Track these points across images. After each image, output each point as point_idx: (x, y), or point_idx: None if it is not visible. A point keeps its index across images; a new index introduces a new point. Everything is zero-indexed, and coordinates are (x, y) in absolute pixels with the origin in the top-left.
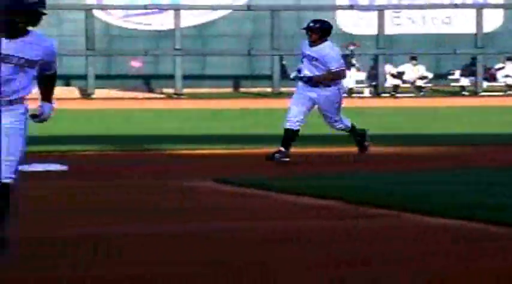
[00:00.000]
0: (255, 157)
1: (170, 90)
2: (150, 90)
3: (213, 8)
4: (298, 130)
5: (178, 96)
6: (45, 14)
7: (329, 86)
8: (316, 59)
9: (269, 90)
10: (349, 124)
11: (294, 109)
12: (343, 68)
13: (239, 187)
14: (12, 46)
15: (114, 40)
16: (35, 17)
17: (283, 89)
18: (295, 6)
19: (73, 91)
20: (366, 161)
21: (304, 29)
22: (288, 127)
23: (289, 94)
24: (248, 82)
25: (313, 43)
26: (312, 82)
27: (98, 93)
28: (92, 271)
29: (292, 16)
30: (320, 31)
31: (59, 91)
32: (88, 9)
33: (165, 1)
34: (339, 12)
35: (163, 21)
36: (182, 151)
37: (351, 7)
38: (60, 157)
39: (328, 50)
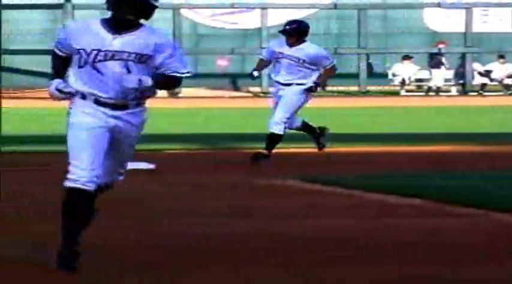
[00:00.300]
0: (338, 155)
1: (257, 89)
2: (237, 89)
3: (300, 6)
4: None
5: (264, 94)
6: (156, 6)
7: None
8: (303, 61)
9: (355, 88)
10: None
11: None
12: (334, 63)
13: (324, 185)
14: (120, 41)
15: (202, 39)
16: (146, 10)
17: (369, 88)
18: (382, 5)
19: (160, 91)
20: (444, 161)
21: (283, 31)
22: (277, 132)
23: (375, 93)
24: (335, 81)
25: (292, 44)
26: (317, 87)
27: (185, 92)
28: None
29: (379, 14)
30: (299, 32)
31: None
32: (176, 8)
33: (252, 0)
34: (426, 10)
35: (250, 20)
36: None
37: (438, 5)
38: (147, 155)
39: (315, 49)
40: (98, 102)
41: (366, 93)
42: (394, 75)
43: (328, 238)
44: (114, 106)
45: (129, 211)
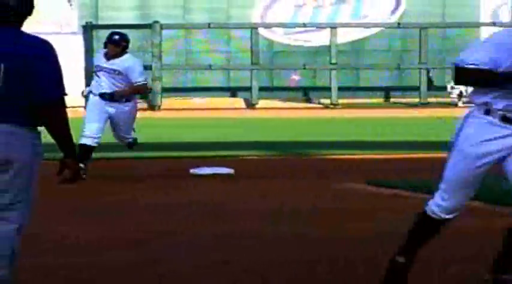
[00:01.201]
0: (403, 162)
1: (327, 101)
2: (308, 101)
3: (366, 25)
4: (94, 147)
5: (334, 106)
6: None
7: (129, 101)
8: (119, 72)
9: (417, 100)
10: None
11: (94, 126)
12: (146, 82)
13: (390, 188)
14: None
15: (276, 55)
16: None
17: (430, 99)
18: (442, 24)
19: (239, 102)
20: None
21: (107, 42)
22: (88, 143)
23: (436, 104)
24: (398, 93)
25: (113, 56)
26: (114, 97)
27: (261, 103)
28: None
29: (439, 32)
30: (123, 43)
31: (227, 101)
32: (254, 28)
33: (322, 20)
34: (482, 28)
35: (320, 38)
36: (337, 156)
37: (493, 24)
38: (226, 161)
39: (132, 62)
40: None
41: (426, 104)
42: (452, 87)
43: None
44: None
45: (212, 211)
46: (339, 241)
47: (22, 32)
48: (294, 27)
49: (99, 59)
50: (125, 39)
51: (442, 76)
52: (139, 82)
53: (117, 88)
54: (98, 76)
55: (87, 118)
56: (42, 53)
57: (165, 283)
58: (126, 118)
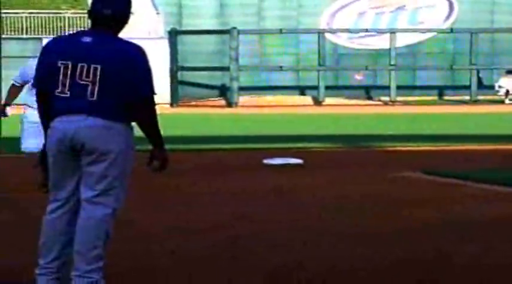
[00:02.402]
0: (455, 153)
1: (386, 98)
2: (369, 98)
3: (422, 31)
4: None
5: (392, 103)
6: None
7: None
8: None
9: (467, 98)
10: None
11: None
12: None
13: (442, 177)
14: None
15: (341, 57)
16: None
17: (479, 97)
18: (491, 29)
19: (307, 99)
20: None
21: None
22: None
23: (485, 102)
24: (450, 91)
25: None
26: None
27: (328, 100)
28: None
29: (488, 37)
30: None
31: (296, 99)
32: (321, 32)
33: (382, 25)
34: None
35: (380, 42)
36: (396, 148)
37: None
38: (297, 152)
39: None
40: None
41: (476, 102)
42: (500, 86)
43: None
44: None
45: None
46: (410, 232)
47: (118, 37)
48: (357, 32)
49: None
50: None
51: (490, 76)
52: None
53: None
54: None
55: None
56: (136, 57)
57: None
58: None
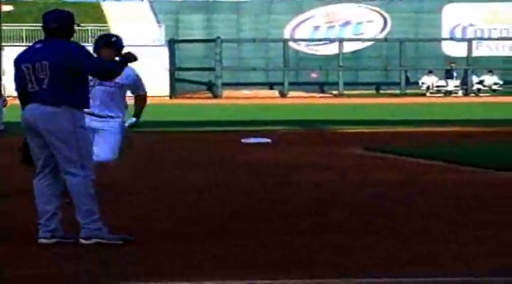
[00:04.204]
0: (390, 134)
1: (335, 92)
2: (323, 92)
3: (363, 40)
4: None
5: (340, 95)
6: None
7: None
8: (121, 85)
9: (398, 92)
10: None
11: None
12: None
13: (378, 152)
14: None
15: (301, 60)
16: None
17: (407, 91)
18: (415, 39)
19: (275, 93)
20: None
21: (102, 45)
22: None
23: (411, 94)
24: (385, 86)
25: None
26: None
27: (291, 94)
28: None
29: (413, 45)
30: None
31: (265, 92)
32: (285, 41)
33: (333, 36)
34: (442, 42)
35: (331, 49)
36: (343, 130)
37: (451, 39)
38: (266, 133)
39: (135, 71)
40: None
41: (404, 95)
42: (423, 83)
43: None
44: None
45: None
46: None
47: (63, 41)
48: (314, 41)
49: None
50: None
51: (415, 75)
52: (144, 91)
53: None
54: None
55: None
56: (74, 49)
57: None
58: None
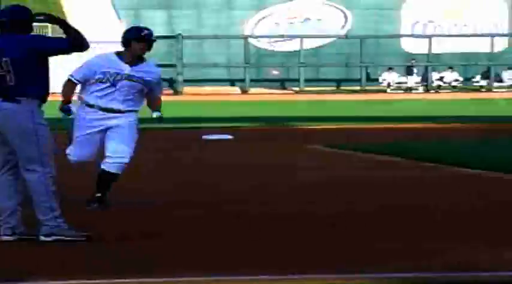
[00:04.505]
0: (351, 131)
1: (296, 88)
2: (284, 88)
3: (324, 36)
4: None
5: (301, 92)
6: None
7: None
8: (148, 82)
9: (358, 88)
10: None
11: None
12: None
13: (338, 149)
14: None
15: (262, 57)
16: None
17: (367, 88)
18: (375, 35)
19: (236, 89)
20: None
21: (135, 39)
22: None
23: (372, 91)
24: (345, 83)
25: (139, 60)
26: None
27: (252, 90)
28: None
29: (373, 42)
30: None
31: (226, 89)
32: (246, 38)
33: (294, 32)
34: (402, 38)
35: (292, 45)
36: (305, 127)
37: (411, 35)
38: (228, 130)
39: (157, 67)
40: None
41: (365, 91)
42: (383, 79)
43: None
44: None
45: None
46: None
47: (20, 34)
48: (274, 38)
49: (115, 63)
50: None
51: (375, 71)
52: (160, 93)
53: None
54: (114, 85)
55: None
56: (30, 38)
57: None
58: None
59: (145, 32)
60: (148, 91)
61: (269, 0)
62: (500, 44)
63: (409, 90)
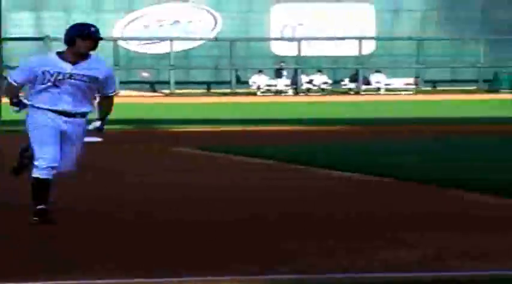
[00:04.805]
0: (222, 133)
1: (167, 91)
2: (154, 91)
3: (194, 39)
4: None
5: (172, 94)
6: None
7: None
8: (95, 79)
9: (228, 90)
10: None
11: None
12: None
13: (210, 152)
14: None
15: (132, 59)
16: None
17: (237, 90)
18: (246, 38)
19: None
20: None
21: (80, 36)
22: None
23: (242, 93)
24: (215, 85)
25: (83, 57)
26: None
27: (121, 93)
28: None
29: (244, 45)
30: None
31: None
32: (115, 40)
33: (163, 35)
34: (272, 42)
35: (163, 48)
36: (174, 129)
37: (281, 38)
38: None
39: (107, 66)
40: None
41: (235, 94)
42: (253, 82)
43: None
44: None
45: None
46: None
47: None
48: (144, 40)
49: (55, 63)
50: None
51: (245, 74)
52: (114, 91)
53: (80, 104)
54: (56, 86)
55: (39, 141)
56: None
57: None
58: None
59: (92, 29)
60: (99, 90)
61: (138, 2)
62: (368, 48)
63: (278, 92)
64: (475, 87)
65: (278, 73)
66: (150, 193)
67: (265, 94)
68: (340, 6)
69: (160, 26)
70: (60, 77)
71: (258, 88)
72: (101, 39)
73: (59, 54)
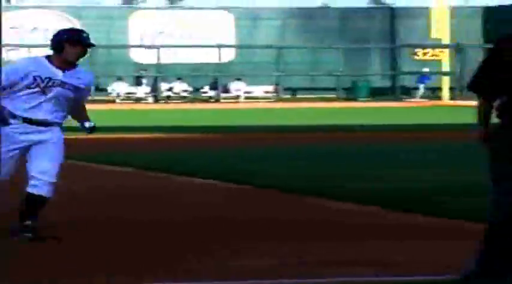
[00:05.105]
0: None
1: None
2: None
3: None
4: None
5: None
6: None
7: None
8: (78, 88)
9: (88, 98)
10: None
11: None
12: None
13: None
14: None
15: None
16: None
17: (96, 97)
18: (106, 45)
19: None
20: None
21: (80, 42)
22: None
23: (101, 102)
24: None
25: (72, 65)
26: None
27: None
28: None
29: (104, 51)
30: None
31: None
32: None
33: (23, 42)
34: (132, 49)
35: (22, 54)
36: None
37: (140, 46)
38: None
39: (89, 73)
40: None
41: (93, 101)
42: (113, 90)
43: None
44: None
45: None
46: None
47: None
48: (9, 47)
49: (47, 68)
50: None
51: (105, 82)
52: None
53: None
54: (44, 93)
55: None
56: None
57: None
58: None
59: (83, 34)
60: (76, 100)
61: None
62: (228, 55)
63: (138, 100)
64: (334, 95)
65: (138, 81)
66: None
67: (125, 102)
68: (199, 14)
69: (17, 32)
70: (51, 83)
71: (118, 95)
72: (93, 45)
73: (48, 58)
